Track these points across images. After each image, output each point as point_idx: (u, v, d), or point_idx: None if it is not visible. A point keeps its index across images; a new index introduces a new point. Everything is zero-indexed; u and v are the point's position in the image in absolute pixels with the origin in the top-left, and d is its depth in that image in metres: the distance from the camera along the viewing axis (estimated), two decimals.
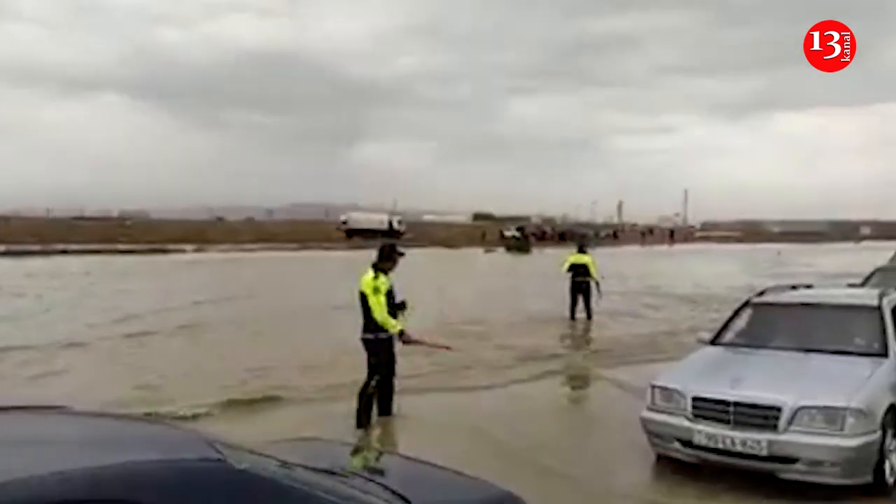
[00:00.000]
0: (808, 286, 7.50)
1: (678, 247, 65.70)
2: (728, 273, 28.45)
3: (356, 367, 7.12)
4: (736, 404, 4.96)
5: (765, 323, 6.39)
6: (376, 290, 6.62)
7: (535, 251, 49.16)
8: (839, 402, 4.76)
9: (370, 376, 6.79)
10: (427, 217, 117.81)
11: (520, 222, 79.22)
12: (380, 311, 6.60)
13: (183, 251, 39.85)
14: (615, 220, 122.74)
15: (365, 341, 6.81)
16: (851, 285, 10.75)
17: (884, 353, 5.54)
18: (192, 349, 11.14)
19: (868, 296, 6.44)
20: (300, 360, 9.78)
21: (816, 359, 5.53)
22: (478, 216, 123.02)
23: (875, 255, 20.47)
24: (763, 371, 5.46)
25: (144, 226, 73.21)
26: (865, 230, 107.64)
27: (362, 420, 6.76)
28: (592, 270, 14.44)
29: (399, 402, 7.00)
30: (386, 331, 6.66)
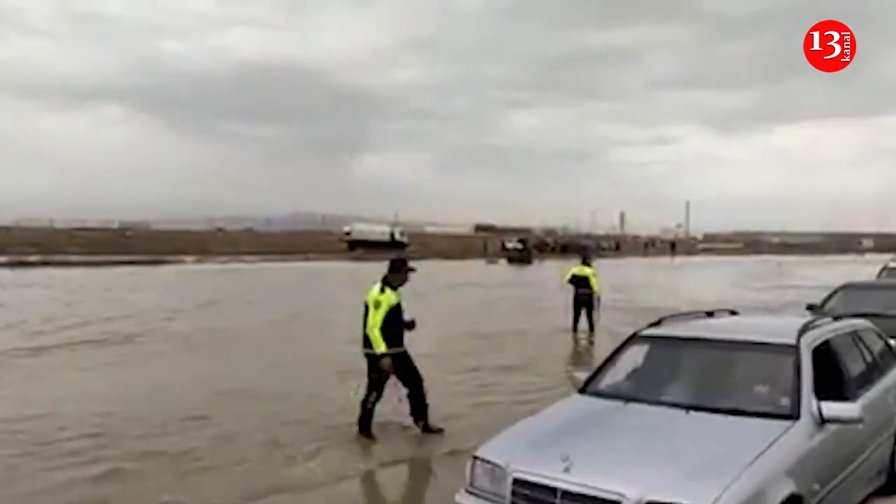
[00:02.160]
0: (733, 312, 5.83)
1: (681, 259, 65.58)
2: (734, 285, 28.32)
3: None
4: (564, 494, 3.59)
5: (651, 364, 4.95)
6: (377, 305, 6.52)
7: (537, 262, 49.10)
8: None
9: (369, 390, 6.71)
10: (429, 228, 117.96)
11: (521, 234, 79.25)
12: (371, 326, 6.51)
13: (182, 262, 39.73)
14: (616, 231, 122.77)
15: (367, 356, 6.69)
16: (810, 307, 10.16)
17: (793, 415, 4.01)
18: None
19: (786, 330, 4.64)
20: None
21: (698, 421, 4.03)
22: (479, 227, 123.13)
23: (877, 267, 20.40)
24: (613, 443, 3.98)
25: (145, 236, 73.20)
26: (867, 242, 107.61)
27: (363, 426, 6.73)
28: (593, 282, 14.32)
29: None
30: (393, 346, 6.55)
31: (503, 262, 50.77)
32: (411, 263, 6.94)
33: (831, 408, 4.05)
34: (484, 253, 58.58)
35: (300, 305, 18.69)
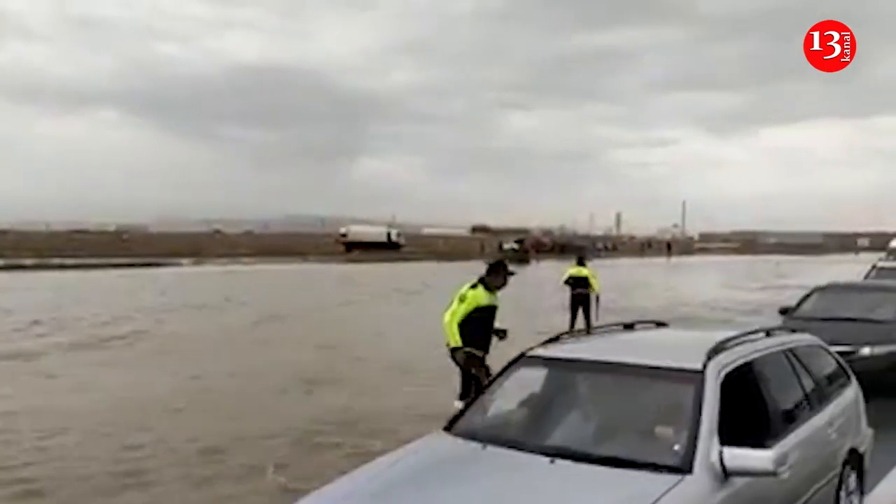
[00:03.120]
0: (660, 324, 4.63)
1: (677, 259, 65.62)
2: (727, 285, 28.30)
3: None
4: None
5: (532, 393, 3.99)
6: (462, 299, 6.25)
7: (534, 263, 49.11)
8: None
9: (465, 388, 6.26)
10: (426, 230, 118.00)
11: (518, 234, 79.22)
12: (450, 316, 6.20)
13: (179, 264, 39.62)
14: (613, 232, 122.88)
15: (450, 350, 6.36)
16: (783, 311, 9.73)
17: (683, 467, 3.02)
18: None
19: (695, 351, 3.49)
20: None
21: (561, 475, 3.08)
22: (476, 229, 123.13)
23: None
24: None
25: (142, 239, 73.04)
26: (864, 242, 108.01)
27: None
28: (594, 283, 14.33)
29: None
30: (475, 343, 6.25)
31: None
32: (511, 267, 6.66)
33: (736, 456, 3.02)
34: (481, 254, 58.62)
35: (285, 307, 18.65)
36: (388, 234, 64.77)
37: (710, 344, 3.54)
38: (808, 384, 4.18)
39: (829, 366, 4.65)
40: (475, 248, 63.88)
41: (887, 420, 7.00)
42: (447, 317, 6.24)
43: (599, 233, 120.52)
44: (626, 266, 44.87)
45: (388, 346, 12.69)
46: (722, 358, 3.49)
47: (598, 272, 15.45)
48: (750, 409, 3.56)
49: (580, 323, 14.07)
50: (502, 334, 6.48)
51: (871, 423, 5.12)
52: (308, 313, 17.87)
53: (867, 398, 7.47)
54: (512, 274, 6.63)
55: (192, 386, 9.33)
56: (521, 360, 3.98)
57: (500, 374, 4.04)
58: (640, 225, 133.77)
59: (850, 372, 4.80)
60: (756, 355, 3.78)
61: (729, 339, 3.69)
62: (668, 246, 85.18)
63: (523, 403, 3.96)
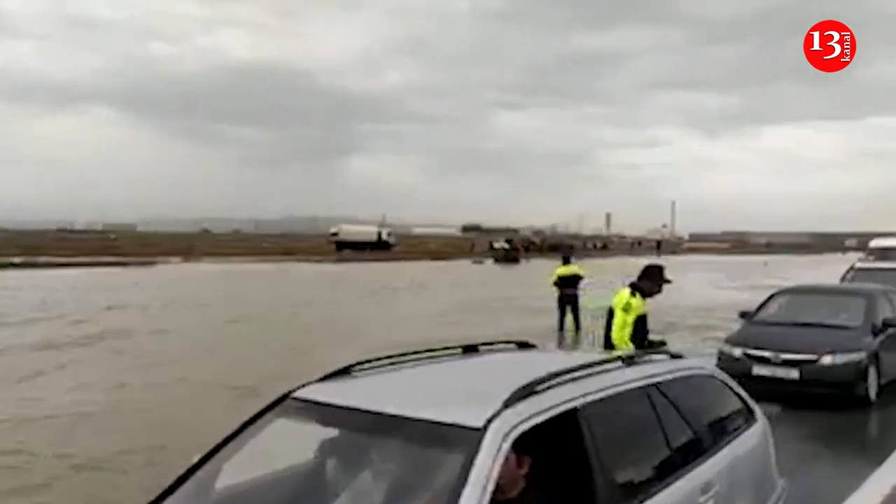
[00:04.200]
0: (524, 345, 3.62)
1: (666, 259, 65.85)
2: (712, 284, 28.41)
3: None
4: None
5: (287, 447, 3.06)
6: (627, 308, 5.66)
7: (524, 262, 49.19)
8: None
9: None
10: (417, 229, 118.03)
11: (508, 234, 79.47)
12: (619, 330, 5.61)
13: (167, 263, 39.39)
14: (603, 232, 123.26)
15: None
16: (743, 314, 9.16)
17: None
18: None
19: (489, 397, 2.41)
20: None
21: None
22: (467, 228, 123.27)
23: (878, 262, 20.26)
24: None
25: (130, 239, 72.60)
26: (851, 242, 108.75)
27: None
28: (581, 274, 14.54)
29: None
30: None
31: (490, 262, 50.82)
32: (668, 275, 5.86)
33: None
34: (470, 253, 58.69)
35: (255, 307, 18.47)
36: (379, 234, 64.78)
37: (498, 401, 2.34)
38: (679, 433, 3.05)
39: (722, 403, 3.53)
40: (466, 248, 64.03)
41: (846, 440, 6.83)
42: (615, 330, 5.62)
43: (589, 233, 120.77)
44: (616, 266, 44.96)
45: (356, 348, 12.38)
46: (524, 407, 2.37)
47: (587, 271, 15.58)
48: (564, 483, 2.60)
49: (569, 323, 14.19)
50: (660, 346, 5.71)
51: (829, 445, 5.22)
52: (285, 313, 17.69)
53: (833, 409, 7.30)
54: (668, 281, 5.85)
55: (112, 397, 8.67)
56: (282, 404, 2.76)
57: (251, 422, 2.76)
58: (631, 225, 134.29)
59: (754, 409, 3.64)
60: (589, 399, 2.62)
61: (552, 377, 2.57)
62: (658, 245, 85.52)
63: (259, 477, 2.85)
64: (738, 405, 3.59)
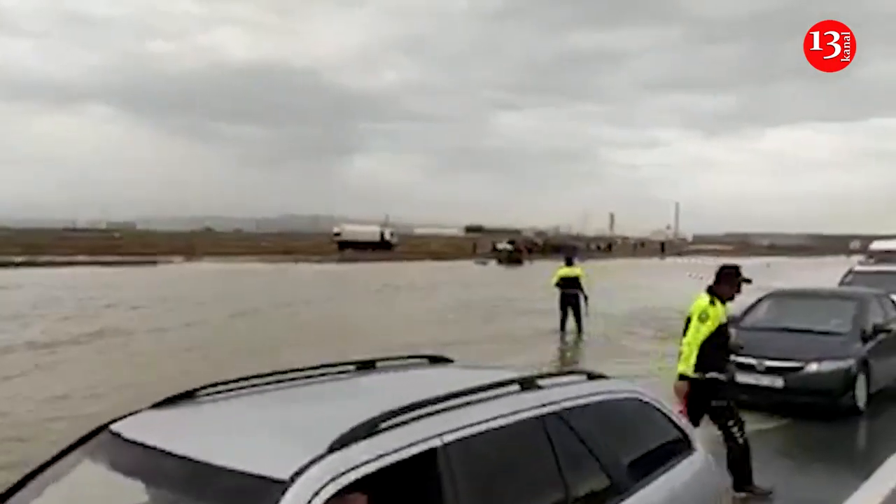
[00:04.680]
0: (437, 359, 3.11)
1: (670, 260, 65.77)
2: None
3: None
4: None
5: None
6: (703, 317, 5.24)
7: (527, 263, 49.12)
8: None
9: (725, 426, 5.18)
10: (419, 230, 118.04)
11: (511, 235, 79.43)
12: (690, 339, 5.23)
13: (170, 262, 39.38)
14: (607, 233, 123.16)
15: (697, 383, 5.22)
16: (729, 320, 9.10)
17: None
18: None
19: (295, 446, 1.94)
20: None
21: None
22: (469, 229, 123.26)
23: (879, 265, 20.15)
24: None
25: (132, 237, 72.68)
26: (855, 244, 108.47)
27: (742, 478, 5.12)
28: (583, 280, 14.35)
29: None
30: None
31: (493, 262, 50.76)
32: (745, 274, 5.53)
33: None
34: (473, 254, 58.65)
35: (253, 306, 18.17)
36: (382, 234, 64.75)
37: (367, 417, 1.99)
38: (586, 470, 2.52)
39: (651, 432, 2.97)
40: (469, 249, 64.02)
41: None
42: (688, 339, 5.24)
43: (592, 234, 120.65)
44: (620, 267, 44.88)
45: (343, 349, 11.89)
46: (356, 451, 1.91)
47: (594, 273, 15.51)
48: None
49: (570, 324, 14.12)
50: (735, 351, 5.67)
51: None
52: (283, 312, 17.57)
53: (819, 419, 7.04)
54: (748, 281, 5.53)
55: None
56: (95, 438, 2.29)
57: (53, 461, 2.28)
58: (634, 226, 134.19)
59: (692, 437, 3.13)
60: (456, 436, 2.13)
61: (411, 408, 2.11)
62: (662, 247, 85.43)
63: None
64: (671, 433, 3.01)
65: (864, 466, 5.79)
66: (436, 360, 3.06)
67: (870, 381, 7.62)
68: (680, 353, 5.29)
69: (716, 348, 5.26)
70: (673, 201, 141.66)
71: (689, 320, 5.33)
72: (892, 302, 8.88)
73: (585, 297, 14.28)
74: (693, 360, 5.19)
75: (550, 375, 2.81)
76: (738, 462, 5.09)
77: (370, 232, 65.32)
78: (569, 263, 14.92)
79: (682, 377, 5.20)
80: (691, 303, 5.38)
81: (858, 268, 15.59)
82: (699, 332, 5.21)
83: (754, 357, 7.48)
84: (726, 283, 5.40)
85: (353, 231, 64.89)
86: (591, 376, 2.87)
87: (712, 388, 5.20)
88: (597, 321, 14.52)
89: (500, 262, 51.28)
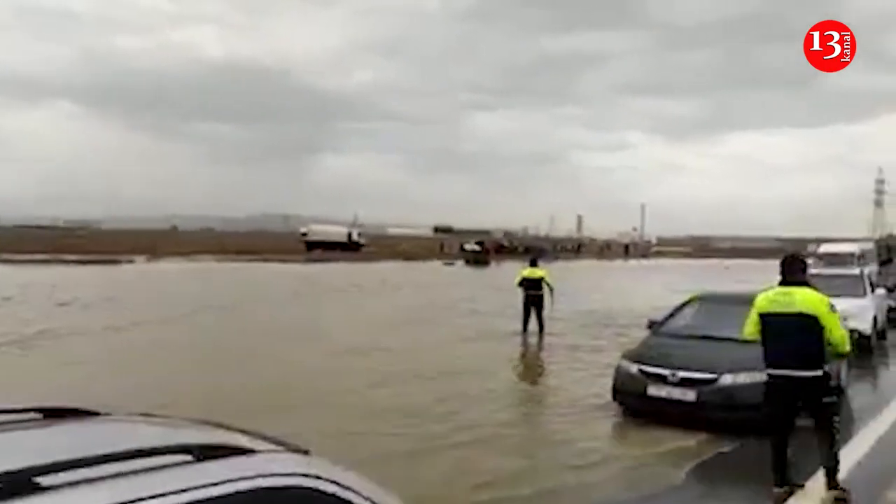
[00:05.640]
0: (82, 413, 1.64)
1: (634, 262, 66.82)
2: (669, 286, 28.82)
3: None
4: None
5: None
6: (833, 308, 5.00)
7: (494, 264, 49.48)
8: None
9: (832, 424, 5.01)
10: (390, 230, 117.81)
11: (480, 236, 79.76)
12: (840, 330, 5.04)
13: (132, 262, 38.79)
14: (574, 235, 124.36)
15: (803, 380, 4.97)
16: (651, 324, 8.55)
17: None
18: None
19: None
20: None
21: None
22: (438, 229, 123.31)
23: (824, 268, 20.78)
24: None
25: (97, 236, 71.25)
26: (812, 247, 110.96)
27: (782, 475, 5.12)
28: (548, 279, 14.62)
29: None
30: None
31: (460, 263, 51.03)
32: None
33: None
34: (441, 254, 58.86)
35: (192, 307, 17.51)
36: (349, 234, 64.41)
37: None
38: None
39: None
40: (437, 249, 64.19)
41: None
42: (837, 332, 4.98)
43: (561, 234, 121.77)
44: (586, 269, 45.51)
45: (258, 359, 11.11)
46: None
47: (560, 274, 15.70)
48: None
49: (533, 325, 14.29)
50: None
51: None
52: (226, 315, 17.15)
53: (734, 434, 6.56)
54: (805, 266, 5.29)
55: None
56: None
57: None
58: (602, 227, 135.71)
59: None
60: None
61: None
62: (626, 249, 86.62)
63: None
64: None
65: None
66: (54, 413, 1.66)
67: None
68: (838, 346, 5.03)
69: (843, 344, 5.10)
70: (639, 203, 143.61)
71: (805, 318, 4.92)
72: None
73: (551, 289, 14.55)
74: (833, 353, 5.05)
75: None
76: (834, 460, 5.00)
77: (338, 232, 64.92)
78: (533, 264, 15.18)
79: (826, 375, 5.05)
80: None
81: (812, 270, 16.04)
82: (837, 326, 4.99)
83: (668, 367, 7.09)
84: (799, 272, 5.22)
85: (320, 231, 64.38)
86: (245, 450, 1.50)
87: (826, 384, 5.04)
88: (555, 324, 14.76)
89: (467, 262, 51.62)
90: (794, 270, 5.17)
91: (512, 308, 15.20)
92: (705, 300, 8.88)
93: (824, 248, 25.24)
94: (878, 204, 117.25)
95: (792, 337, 4.96)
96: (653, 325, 8.48)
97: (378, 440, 6.67)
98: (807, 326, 4.89)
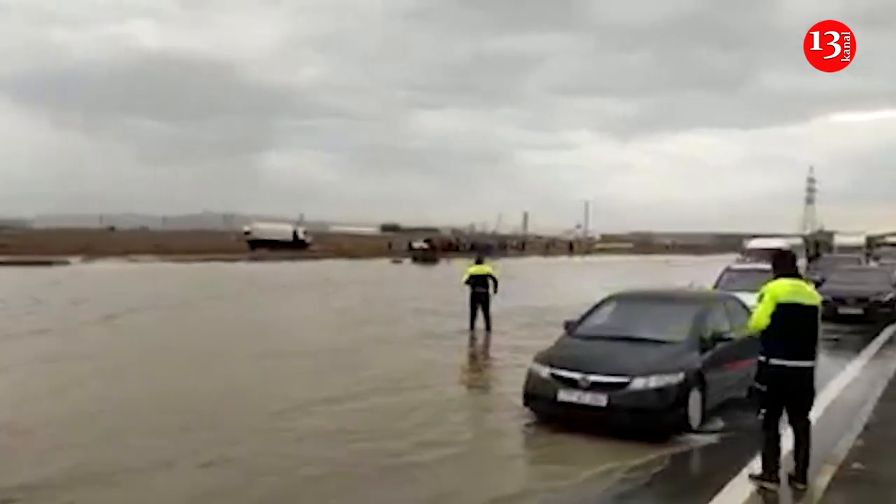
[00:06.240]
0: None
1: (578, 258, 68.07)
2: (606, 281, 29.49)
3: None
4: None
5: None
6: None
7: (443, 262, 49.61)
8: None
9: (809, 421, 5.33)
10: (336, 228, 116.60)
11: (428, 233, 79.76)
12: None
13: (67, 262, 37.26)
14: (520, 232, 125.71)
15: (809, 371, 5.23)
16: (567, 324, 8.08)
17: None
18: None
19: None
20: None
21: None
22: (385, 227, 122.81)
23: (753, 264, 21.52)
24: None
25: (27, 236, 68.15)
26: (747, 243, 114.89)
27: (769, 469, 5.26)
28: (495, 274, 14.73)
29: None
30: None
31: (408, 261, 50.98)
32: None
33: None
34: (388, 252, 58.66)
35: (118, 309, 16.84)
36: (295, 233, 63.43)
37: None
38: None
39: None
40: (384, 247, 63.92)
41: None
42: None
43: (507, 232, 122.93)
44: (531, 265, 46.07)
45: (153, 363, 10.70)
46: None
47: (509, 272, 15.74)
48: None
49: (480, 321, 14.40)
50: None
51: None
52: (156, 316, 16.65)
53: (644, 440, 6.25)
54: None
55: None
56: None
57: None
58: (547, 225, 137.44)
59: None
60: None
61: None
62: (570, 246, 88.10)
63: None
64: None
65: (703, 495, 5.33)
66: None
67: (706, 395, 6.81)
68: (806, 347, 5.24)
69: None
70: (583, 201, 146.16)
71: (809, 309, 5.20)
72: (743, 305, 8.20)
73: (496, 283, 14.64)
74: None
75: None
76: (808, 451, 5.18)
77: (282, 230, 63.80)
78: (479, 262, 15.28)
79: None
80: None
81: (734, 266, 16.08)
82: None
83: (579, 371, 6.72)
84: (792, 265, 5.44)
85: (264, 229, 63.08)
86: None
87: (811, 377, 5.23)
88: (501, 322, 14.82)
89: (415, 260, 51.60)
90: (790, 263, 5.38)
91: (460, 305, 15.20)
92: (623, 299, 8.55)
93: (753, 244, 26.06)
94: (809, 201, 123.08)
95: (808, 327, 5.16)
96: (569, 326, 8.04)
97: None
98: (816, 317, 5.19)
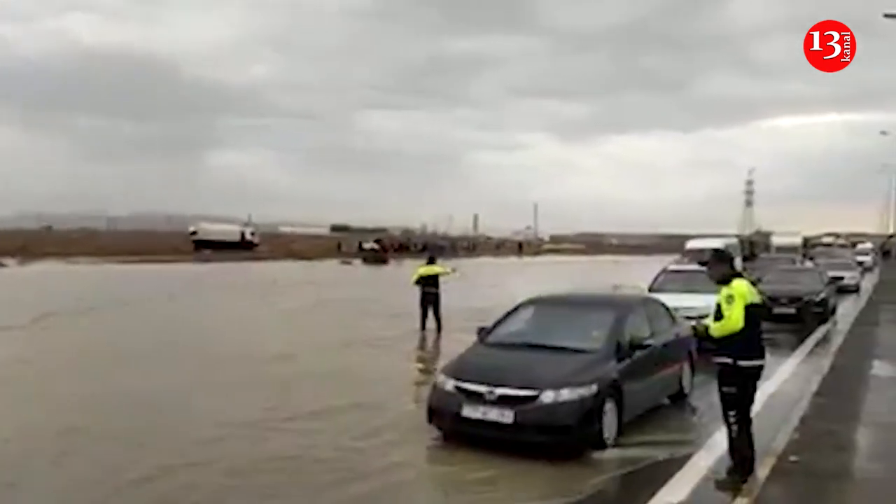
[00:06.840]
0: None
1: (528, 259, 68.84)
2: (551, 281, 30.04)
3: None
4: None
5: None
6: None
7: (394, 263, 49.50)
8: None
9: (749, 409, 5.53)
10: (285, 229, 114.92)
11: (378, 234, 79.47)
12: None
13: (2, 265, 35.69)
14: (471, 233, 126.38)
15: (761, 369, 5.54)
16: (480, 331, 7.49)
17: None
18: None
19: None
20: None
21: None
22: (335, 228, 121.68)
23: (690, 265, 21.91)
24: None
25: None
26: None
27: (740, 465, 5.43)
28: (443, 274, 14.82)
29: None
30: None
31: (359, 262, 50.67)
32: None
33: None
34: (338, 253, 58.22)
35: (49, 310, 16.35)
36: (242, 233, 62.30)
37: None
38: None
39: None
40: (333, 248, 63.38)
41: None
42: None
43: (458, 233, 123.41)
44: (482, 266, 46.35)
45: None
46: None
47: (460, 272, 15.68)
48: None
49: (431, 322, 14.46)
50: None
51: None
52: (86, 318, 16.16)
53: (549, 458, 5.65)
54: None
55: None
56: None
57: None
58: (497, 226, 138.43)
59: None
60: None
61: None
62: (520, 246, 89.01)
63: None
64: None
65: None
66: None
67: (622, 407, 6.33)
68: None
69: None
70: (533, 202, 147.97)
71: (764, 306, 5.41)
72: (666, 309, 8.00)
73: (447, 273, 14.84)
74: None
75: None
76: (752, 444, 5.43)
77: (230, 231, 62.58)
78: (430, 262, 15.29)
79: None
80: None
81: (672, 266, 16.08)
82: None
83: (486, 384, 6.10)
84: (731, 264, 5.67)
85: (210, 230, 61.65)
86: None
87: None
88: (450, 319, 14.81)
89: (365, 261, 51.34)
90: (729, 264, 5.64)
91: (410, 306, 15.15)
92: (540, 303, 7.94)
93: (690, 245, 26.54)
94: (748, 203, 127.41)
95: (760, 326, 5.41)
96: (481, 332, 7.39)
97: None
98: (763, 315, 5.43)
